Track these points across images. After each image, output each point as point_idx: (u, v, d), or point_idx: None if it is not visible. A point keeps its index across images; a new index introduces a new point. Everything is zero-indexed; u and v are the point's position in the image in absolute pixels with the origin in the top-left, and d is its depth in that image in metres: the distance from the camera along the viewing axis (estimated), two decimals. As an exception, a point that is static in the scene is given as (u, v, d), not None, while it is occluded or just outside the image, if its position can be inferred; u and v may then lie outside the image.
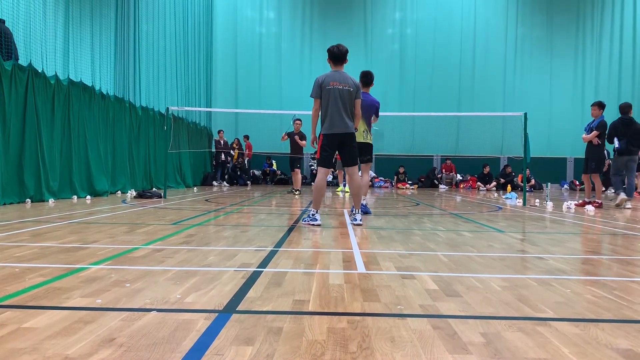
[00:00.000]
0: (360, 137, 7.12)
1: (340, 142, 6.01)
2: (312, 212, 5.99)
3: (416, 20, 22.53)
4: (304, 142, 12.57)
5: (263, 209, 8.38)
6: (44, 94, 9.30)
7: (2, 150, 8.15)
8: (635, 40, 22.61)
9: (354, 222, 6.01)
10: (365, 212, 7.38)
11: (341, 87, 5.92)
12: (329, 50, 6.06)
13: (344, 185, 13.83)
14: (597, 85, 22.54)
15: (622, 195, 9.99)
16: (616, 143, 10.28)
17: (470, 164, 21.17)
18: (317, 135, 6.15)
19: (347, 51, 6.05)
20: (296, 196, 12.18)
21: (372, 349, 1.90)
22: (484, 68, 22.46)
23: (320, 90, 5.94)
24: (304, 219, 6.18)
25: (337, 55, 5.99)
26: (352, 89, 5.99)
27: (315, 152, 6.30)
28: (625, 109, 10.28)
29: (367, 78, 7.46)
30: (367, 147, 7.42)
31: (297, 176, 13.07)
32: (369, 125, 7.45)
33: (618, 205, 9.97)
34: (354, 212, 6.14)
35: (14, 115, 8.48)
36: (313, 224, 5.87)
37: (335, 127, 5.91)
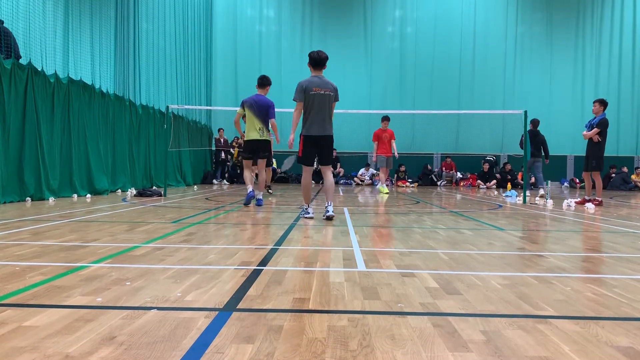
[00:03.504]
0: (256, 135, 8.19)
1: (318, 142, 6.46)
2: (305, 207, 6.70)
3: (416, 18, 22.47)
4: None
5: (263, 208, 8.37)
6: (43, 93, 9.29)
7: (2, 149, 8.14)
8: (635, 37, 22.55)
9: (327, 214, 6.36)
10: (259, 204, 8.30)
11: (323, 92, 6.34)
12: (309, 56, 6.44)
13: (384, 186, 13.82)
14: (596, 83, 22.49)
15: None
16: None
17: (470, 162, 21.15)
18: (299, 136, 6.65)
19: (327, 57, 6.44)
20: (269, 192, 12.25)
21: (372, 347, 1.90)
22: (484, 66, 22.42)
23: (304, 95, 6.32)
24: (300, 213, 6.86)
25: (318, 61, 6.38)
26: (332, 93, 6.42)
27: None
28: (534, 123, 12.96)
29: (263, 81, 8.47)
30: (264, 144, 8.33)
31: (269, 173, 12.22)
32: (265, 123, 8.22)
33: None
34: (327, 205, 6.48)
35: (13, 114, 8.47)
36: (307, 217, 6.52)
37: (313, 130, 6.39)
